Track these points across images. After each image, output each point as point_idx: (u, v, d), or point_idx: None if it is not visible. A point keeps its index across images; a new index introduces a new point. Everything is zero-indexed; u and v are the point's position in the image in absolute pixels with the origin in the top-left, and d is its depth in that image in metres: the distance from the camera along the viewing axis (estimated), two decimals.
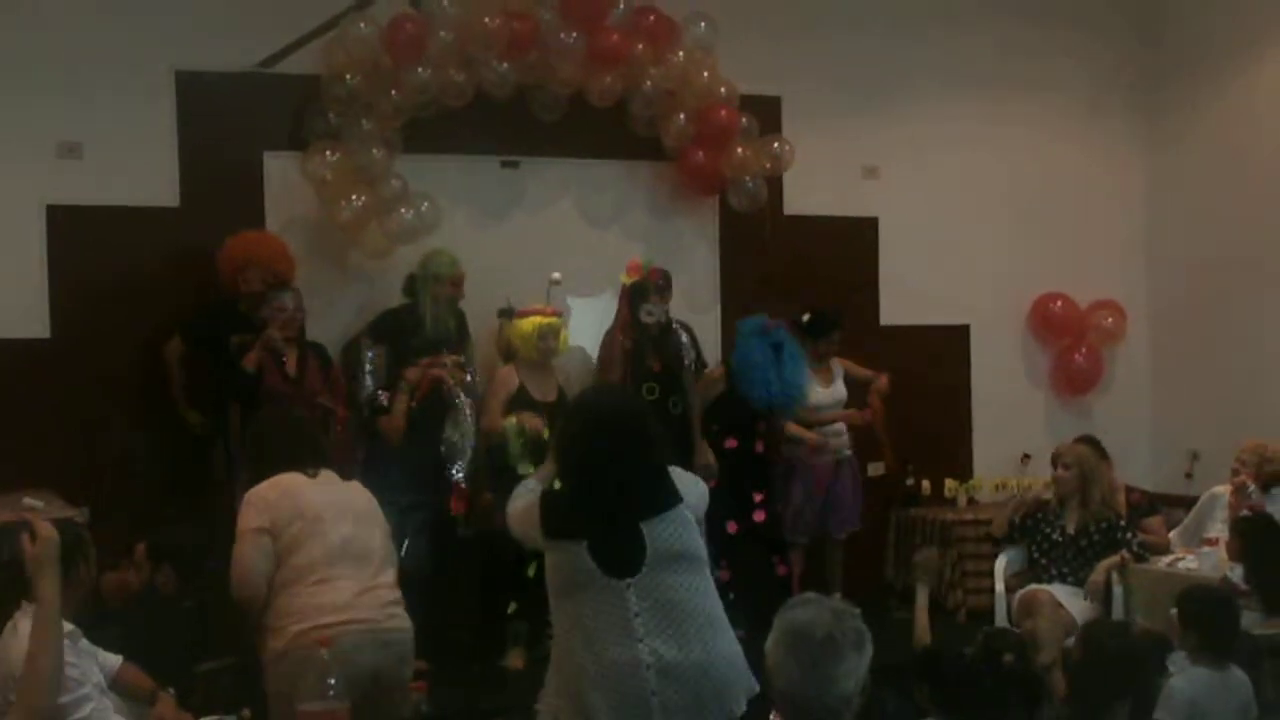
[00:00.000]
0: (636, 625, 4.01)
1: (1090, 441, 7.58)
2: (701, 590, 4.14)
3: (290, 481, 4.82)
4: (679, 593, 4.07)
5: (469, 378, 7.40)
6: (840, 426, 8.23)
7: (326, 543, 4.70)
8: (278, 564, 4.68)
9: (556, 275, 7.60)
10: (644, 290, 7.67)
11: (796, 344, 8.03)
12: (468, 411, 7.27)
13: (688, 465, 5.44)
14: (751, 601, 6.34)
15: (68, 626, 4.31)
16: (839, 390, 8.29)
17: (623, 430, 4.20)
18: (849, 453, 8.32)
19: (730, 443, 7.90)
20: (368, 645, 4.56)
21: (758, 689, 4.03)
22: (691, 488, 4.27)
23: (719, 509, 7.65)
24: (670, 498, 4.16)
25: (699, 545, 4.18)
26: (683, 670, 4.01)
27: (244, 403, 6.75)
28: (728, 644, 4.15)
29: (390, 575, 4.87)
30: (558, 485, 4.32)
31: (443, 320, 7.41)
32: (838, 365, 8.33)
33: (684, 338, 7.81)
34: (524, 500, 4.31)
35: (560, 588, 4.15)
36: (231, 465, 6.75)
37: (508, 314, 7.57)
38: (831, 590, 7.51)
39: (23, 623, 3.85)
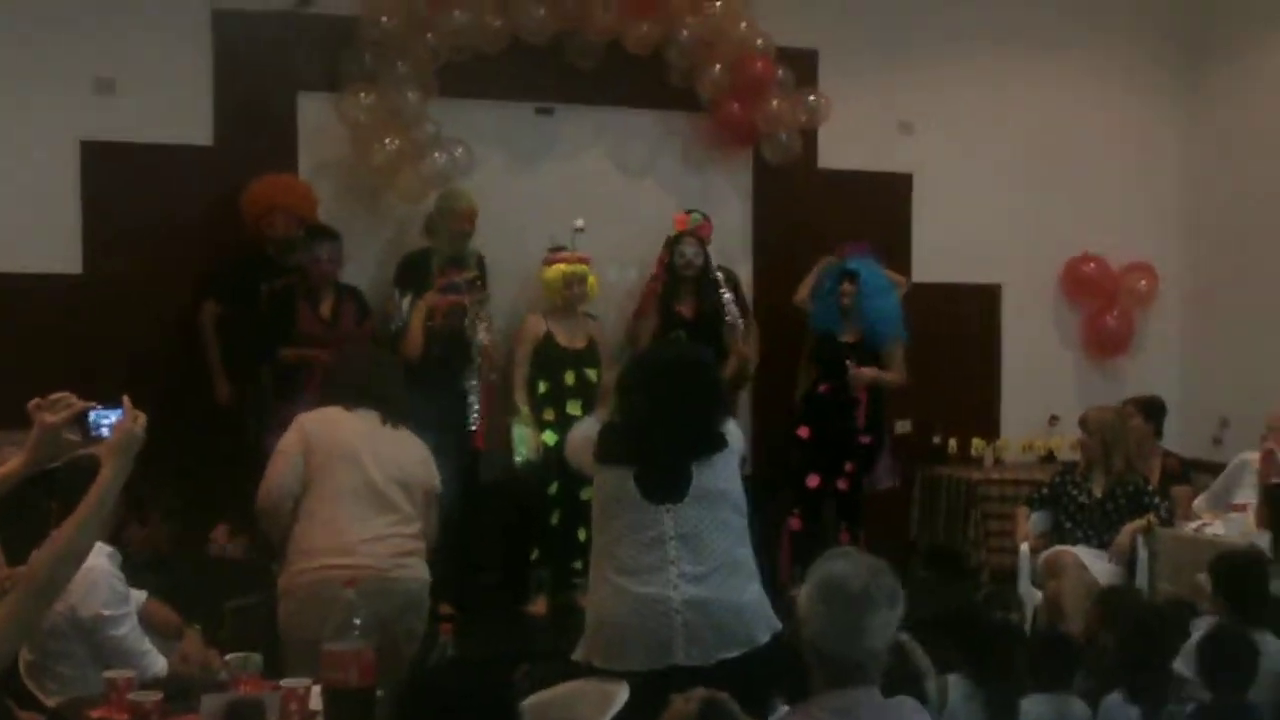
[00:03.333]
0: (670, 548, 4.20)
1: (1148, 405, 7.57)
2: (736, 531, 4.34)
3: (332, 413, 5.00)
4: (714, 528, 4.26)
5: (487, 294, 7.39)
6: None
7: (351, 480, 4.78)
8: (304, 488, 4.79)
9: (580, 222, 7.53)
10: (680, 235, 7.67)
11: (880, 273, 7.98)
12: (484, 339, 7.27)
13: None
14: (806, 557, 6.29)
15: (108, 547, 4.33)
16: None
17: (680, 377, 4.45)
18: None
19: (823, 388, 7.84)
20: (369, 592, 4.53)
21: (780, 627, 4.23)
22: (737, 435, 4.50)
23: (805, 461, 7.77)
24: (720, 442, 4.40)
25: (741, 492, 4.40)
26: (708, 600, 4.18)
27: (276, 349, 6.80)
28: (754, 585, 4.33)
29: (414, 529, 4.92)
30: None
31: (459, 257, 7.37)
32: None
33: (728, 295, 7.72)
34: (583, 431, 4.66)
35: (602, 509, 4.38)
36: (261, 431, 6.56)
37: (560, 249, 7.51)
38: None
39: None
